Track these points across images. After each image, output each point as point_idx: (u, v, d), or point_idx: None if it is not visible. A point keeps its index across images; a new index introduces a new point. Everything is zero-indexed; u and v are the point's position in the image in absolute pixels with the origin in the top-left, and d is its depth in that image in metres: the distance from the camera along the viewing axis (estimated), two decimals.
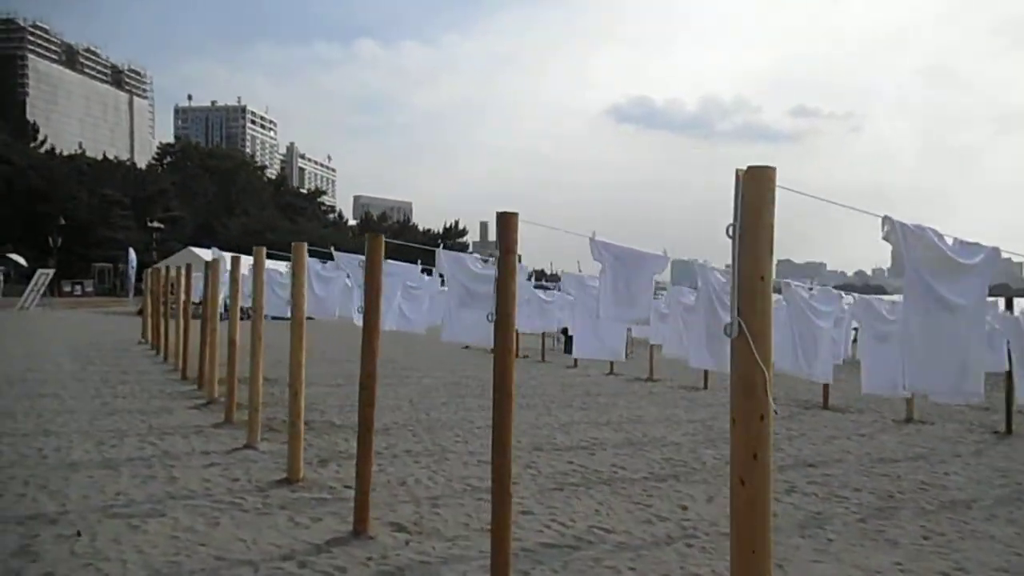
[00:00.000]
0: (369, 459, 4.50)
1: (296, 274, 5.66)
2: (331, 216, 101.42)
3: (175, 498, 5.05)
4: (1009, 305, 10.12)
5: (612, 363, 17.28)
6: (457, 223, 76.46)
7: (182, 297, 13.83)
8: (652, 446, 8.09)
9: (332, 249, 8.29)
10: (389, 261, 7.99)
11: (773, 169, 2.07)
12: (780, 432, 9.45)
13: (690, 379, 14.82)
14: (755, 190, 2.04)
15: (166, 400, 9.59)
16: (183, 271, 13.67)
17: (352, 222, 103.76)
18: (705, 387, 14.40)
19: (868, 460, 7.82)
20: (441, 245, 6.63)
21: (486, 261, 5.20)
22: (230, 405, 8.12)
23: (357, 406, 5.49)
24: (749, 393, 2.02)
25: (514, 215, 3.35)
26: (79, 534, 4.14)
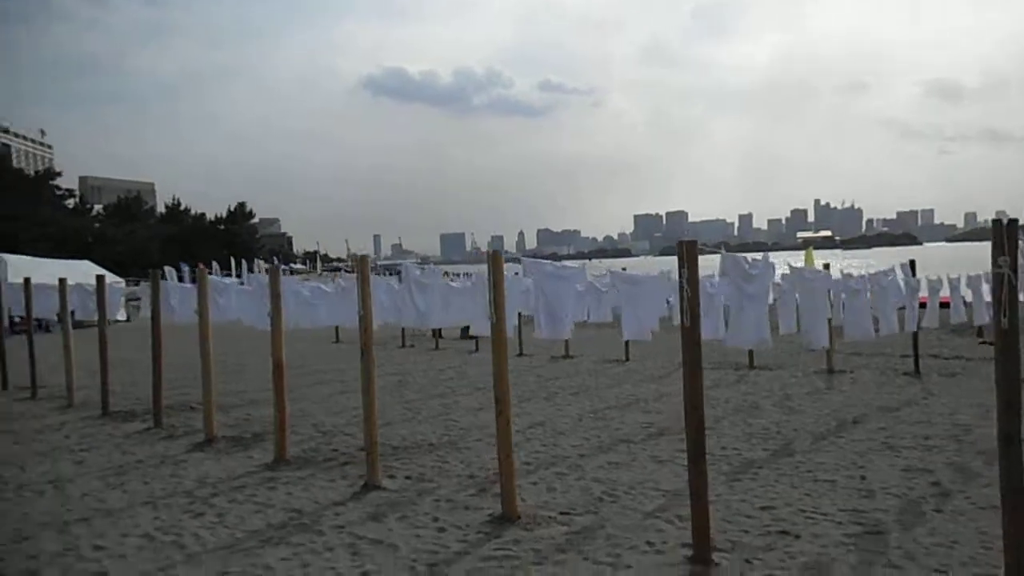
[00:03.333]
0: (704, 483, 4.15)
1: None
2: (70, 202, 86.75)
3: (436, 564, 4.22)
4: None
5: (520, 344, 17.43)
6: (243, 205, 69.84)
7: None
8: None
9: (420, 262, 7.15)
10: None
11: None
12: (777, 392, 10.32)
13: (555, 350, 15.80)
14: None
15: (134, 445, 7.76)
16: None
17: (98, 207, 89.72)
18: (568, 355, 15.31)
19: (873, 411, 8.85)
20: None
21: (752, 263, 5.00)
22: (281, 442, 6.85)
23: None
24: None
25: None
26: None
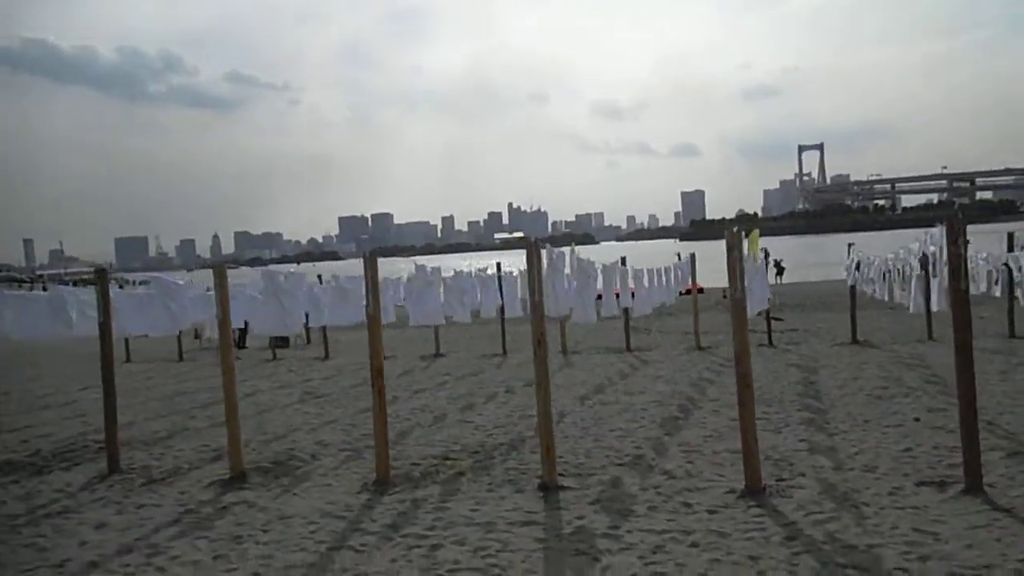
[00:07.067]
0: (976, 434, 4.78)
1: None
2: None
3: (797, 537, 4.20)
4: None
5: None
6: None
7: None
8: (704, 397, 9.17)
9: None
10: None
11: None
12: (703, 366, 11.51)
13: (425, 350, 15.95)
14: None
15: (124, 498, 5.96)
16: None
17: None
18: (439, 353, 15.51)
19: (801, 373, 10.53)
20: None
21: None
22: (384, 460, 5.88)
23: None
24: None
25: None
26: None
